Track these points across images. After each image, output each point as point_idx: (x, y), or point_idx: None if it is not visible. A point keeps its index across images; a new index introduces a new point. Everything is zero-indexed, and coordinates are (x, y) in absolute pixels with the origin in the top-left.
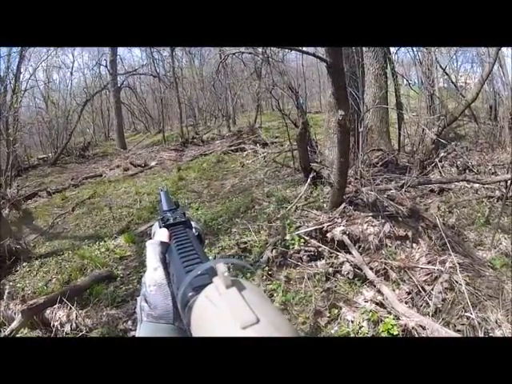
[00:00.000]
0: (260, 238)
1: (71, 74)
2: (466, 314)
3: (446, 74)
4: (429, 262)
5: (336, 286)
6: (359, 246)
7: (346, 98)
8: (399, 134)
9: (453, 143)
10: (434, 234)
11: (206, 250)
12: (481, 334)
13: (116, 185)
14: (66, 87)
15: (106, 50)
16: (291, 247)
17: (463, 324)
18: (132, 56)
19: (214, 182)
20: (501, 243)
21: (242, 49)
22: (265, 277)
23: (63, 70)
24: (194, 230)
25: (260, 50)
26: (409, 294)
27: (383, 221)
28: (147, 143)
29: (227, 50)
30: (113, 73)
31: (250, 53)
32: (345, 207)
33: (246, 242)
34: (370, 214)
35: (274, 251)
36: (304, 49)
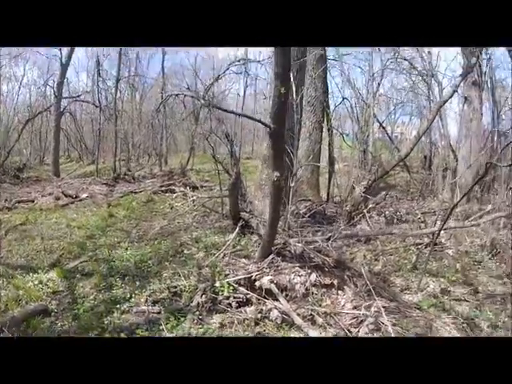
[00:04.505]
0: (190, 283)
1: (19, 88)
2: None
3: (383, 127)
4: (354, 308)
5: (265, 330)
6: (286, 294)
7: (282, 161)
8: (329, 185)
9: (383, 193)
10: (359, 281)
11: (137, 292)
12: None
13: (48, 214)
14: (12, 101)
15: (56, 69)
16: (220, 293)
17: None
18: (78, 81)
19: (143, 221)
20: (428, 286)
21: (185, 91)
22: (195, 321)
23: (12, 83)
24: None
25: (201, 93)
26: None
27: (309, 271)
28: (79, 173)
29: (169, 90)
30: (58, 95)
31: (192, 96)
32: (273, 258)
33: (176, 287)
34: (297, 264)
35: (203, 296)
36: None
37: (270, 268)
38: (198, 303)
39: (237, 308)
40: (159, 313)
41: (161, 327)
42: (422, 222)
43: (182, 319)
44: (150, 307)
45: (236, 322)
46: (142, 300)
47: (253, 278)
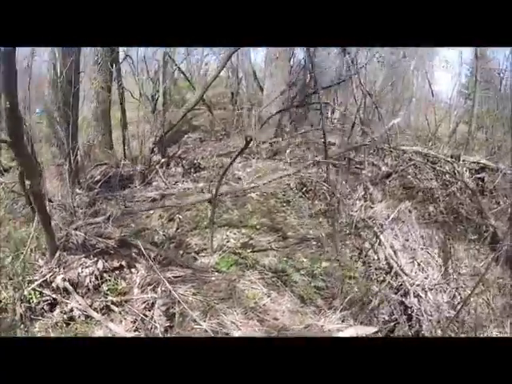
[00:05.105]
0: (9, 294)
1: None
2: (195, 324)
3: (181, 70)
4: (142, 291)
5: (77, 329)
6: (81, 290)
7: (33, 168)
8: (123, 143)
9: (185, 136)
10: (152, 252)
11: None
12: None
13: None
14: None
15: None
16: (31, 301)
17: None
18: None
19: None
20: (228, 241)
21: None
22: (24, 334)
23: None
24: None
25: None
26: (135, 322)
27: (96, 259)
28: None
29: None
30: None
31: None
32: (60, 254)
33: (0, 301)
34: (83, 255)
35: (22, 307)
36: None
37: (59, 266)
38: (21, 315)
39: (49, 312)
40: None
41: None
42: (221, 167)
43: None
44: None
45: (50, 327)
46: None
47: (48, 280)
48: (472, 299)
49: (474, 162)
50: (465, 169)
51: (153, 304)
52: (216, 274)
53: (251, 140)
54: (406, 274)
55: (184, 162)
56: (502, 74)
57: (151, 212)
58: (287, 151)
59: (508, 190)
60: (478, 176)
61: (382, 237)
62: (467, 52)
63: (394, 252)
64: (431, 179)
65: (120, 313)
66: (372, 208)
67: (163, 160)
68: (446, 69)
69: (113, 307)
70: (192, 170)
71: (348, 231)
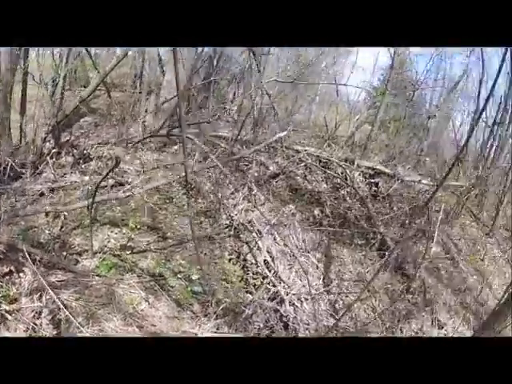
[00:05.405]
0: None
1: None
2: (79, 331)
3: (87, 50)
4: (30, 299)
5: None
6: None
7: None
8: (20, 130)
9: (82, 120)
10: (37, 255)
11: None
12: None
13: None
14: None
15: None
16: None
17: None
18: None
19: None
20: (109, 241)
21: None
22: None
23: None
24: None
25: None
26: (27, 331)
27: None
28: None
29: None
30: None
31: None
32: None
33: None
34: None
35: None
36: None
37: None
38: None
39: None
40: None
41: None
42: (109, 158)
43: None
44: None
45: None
46: None
47: None
48: (356, 305)
49: (369, 168)
50: (358, 173)
51: (40, 313)
52: (96, 278)
53: (120, 162)
54: (283, 281)
55: (75, 150)
56: (416, 86)
57: (38, 207)
58: (175, 147)
59: (404, 195)
60: (373, 181)
61: (260, 242)
62: (385, 57)
63: (272, 258)
64: (321, 181)
65: (13, 321)
66: (253, 211)
67: (54, 150)
68: (357, 71)
69: (6, 315)
70: (81, 161)
71: (227, 234)
